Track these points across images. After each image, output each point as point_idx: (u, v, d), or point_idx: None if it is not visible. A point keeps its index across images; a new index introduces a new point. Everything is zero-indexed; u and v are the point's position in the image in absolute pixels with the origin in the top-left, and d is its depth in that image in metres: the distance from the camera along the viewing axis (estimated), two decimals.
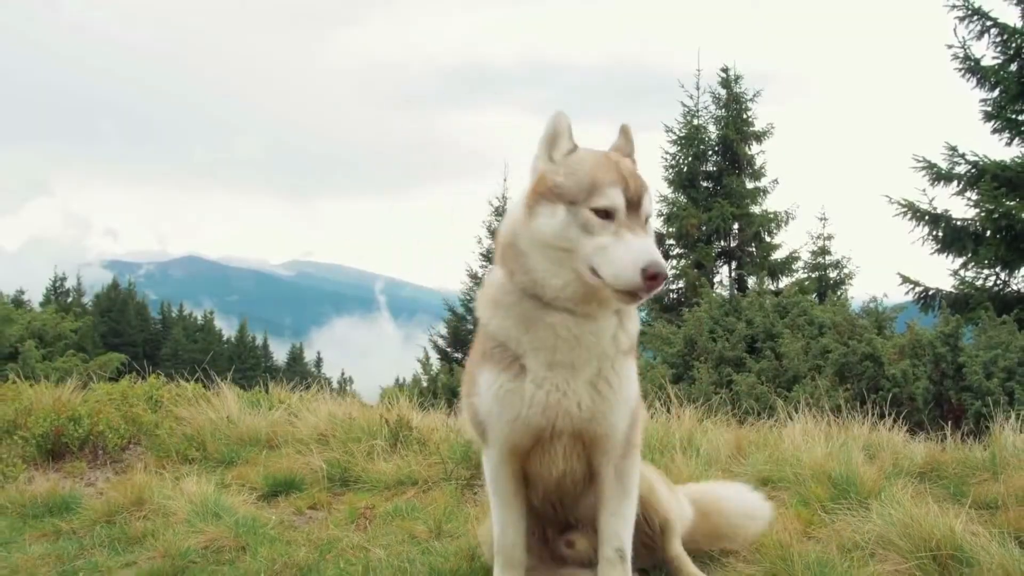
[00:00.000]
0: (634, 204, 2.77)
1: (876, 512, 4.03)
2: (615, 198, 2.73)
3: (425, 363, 25.25)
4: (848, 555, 3.73)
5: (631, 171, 2.88)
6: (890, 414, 6.55)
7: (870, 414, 6.53)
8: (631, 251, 2.66)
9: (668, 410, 6.61)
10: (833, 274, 28.61)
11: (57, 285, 64.40)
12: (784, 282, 27.96)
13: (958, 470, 5.14)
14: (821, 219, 29.19)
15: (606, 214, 2.73)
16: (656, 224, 29.03)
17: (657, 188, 29.91)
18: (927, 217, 16.63)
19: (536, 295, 2.92)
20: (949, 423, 6.79)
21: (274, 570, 4.00)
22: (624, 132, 3.15)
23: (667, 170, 29.65)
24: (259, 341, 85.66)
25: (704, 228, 28.09)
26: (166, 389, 8.65)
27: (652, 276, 2.62)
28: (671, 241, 29.25)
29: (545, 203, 2.83)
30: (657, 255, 2.68)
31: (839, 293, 22.53)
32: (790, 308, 12.10)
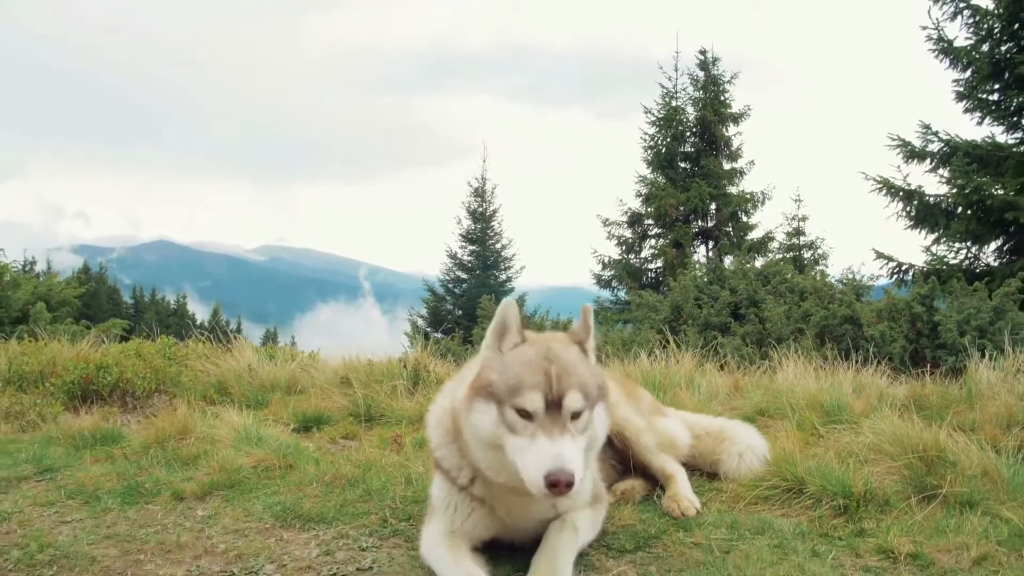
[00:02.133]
0: (554, 405, 2.81)
1: (867, 428, 4.49)
2: (535, 401, 2.79)
3: (412, 336, 25.62)
4: (844, 461, 4.17)
5: (562, 370, 2.88)
6: (872, 363, 7.02)
7: (854, 363, 6.99)
8: (539, 456, 2.70)
9: (668, 355, 7.03)
10: (808, 254, 29.34)
11: (27, 269, 63.81)
12: (760, 262, 28.51)
13: (938, 402, 5.61)
14: (796, 201, 29.95)
15: (527, 414, 2.80)
16: (635, 204, 29.54)
17: (636, 169, 30.40)
18: (901, 193, 17.16)
19: (484, 475, 3.09)
20: (927, 370, 7.26)
21: (325, 481, 4.39)
22: (584, 315, 3.16)
23: (646, 151, 30.12)
24: (232, 326, 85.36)
25: (682, 208, 28.58)
26: (176, 348, 8.95)
27: (552, 483, 2.64)
28: (650, 221, 29.79)
29: (480, 400, 2.91)
30: (562, 461, 2.68)
31: (815, 271, 23.11)
32: (771, 277, 12.59)
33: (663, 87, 30.27)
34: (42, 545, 3.68)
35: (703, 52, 30.00)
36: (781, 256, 28.76)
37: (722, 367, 7.53)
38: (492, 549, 3.39)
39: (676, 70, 30.44)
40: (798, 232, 29.95)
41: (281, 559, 3.52)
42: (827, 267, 27.68)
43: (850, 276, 12.88)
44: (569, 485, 2.67)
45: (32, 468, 4.89)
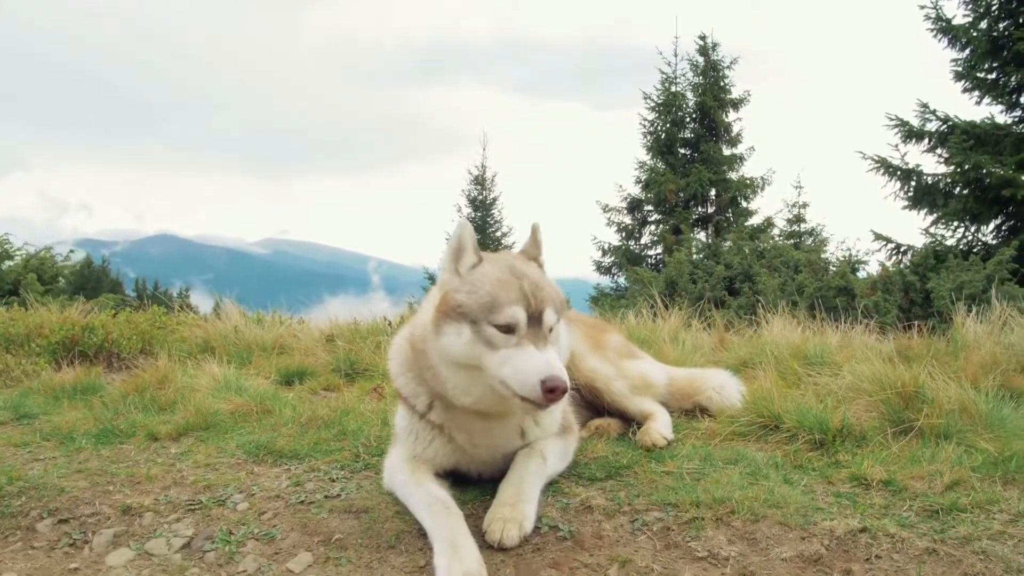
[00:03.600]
0: (535, 318, 2.84)
1: (847, 370, 4.45)
2: (518, 315, 2.81)
3: None
4: (823, 400, 4.15)
5: (534, 285, 2.92)
6: (861, 325, 6.98)
7: (844, 324, 6.95)
8: (533, 365, 2.72)
9: (655, 314, 7.00)
10: (808, 241, 29.23)
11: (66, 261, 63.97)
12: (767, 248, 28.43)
13: (923, 353, 5.57)
14: (796, 187, 29.82)
15: (508, 328, 2.81)
16: (634, 191, 29.49)
17: (635, 155, 30.34)
18: (899, 173, 17.07)
19: (446, 400, 3.07)
20: (916, 328, 7.23)
21: (300, 422, 4.37)
22: (533, 233, 3.22)
23: (645, 137, 30.00)
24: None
25: (682, 194, 28.50)
26: (168, 318, 8.93)
27: (550, 389, 2.68)
28: (649, 207, 29.73)
29: (451, 322, 2.89)
30: (557, 369, 2.73)
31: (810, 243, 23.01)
32: (767, 252, 12.55)
33: (662, 72, 30.17)
34: (12, 478, 3.66)
35: (703, 37, 29.87)
36: (782, 242, 28.68)
37: (709, 326, 7.50)
38: (461, 483, 3.38)
39: (675, 56, 30.33)
40: (799, 219, 29.82)
41: (250, 489, 3.51)
42: (825, 252, 27.62)
43: (846, 251, 12.80)
44: (564, 391, 2.72)
45: (10, 415, 4.88)
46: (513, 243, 38.14)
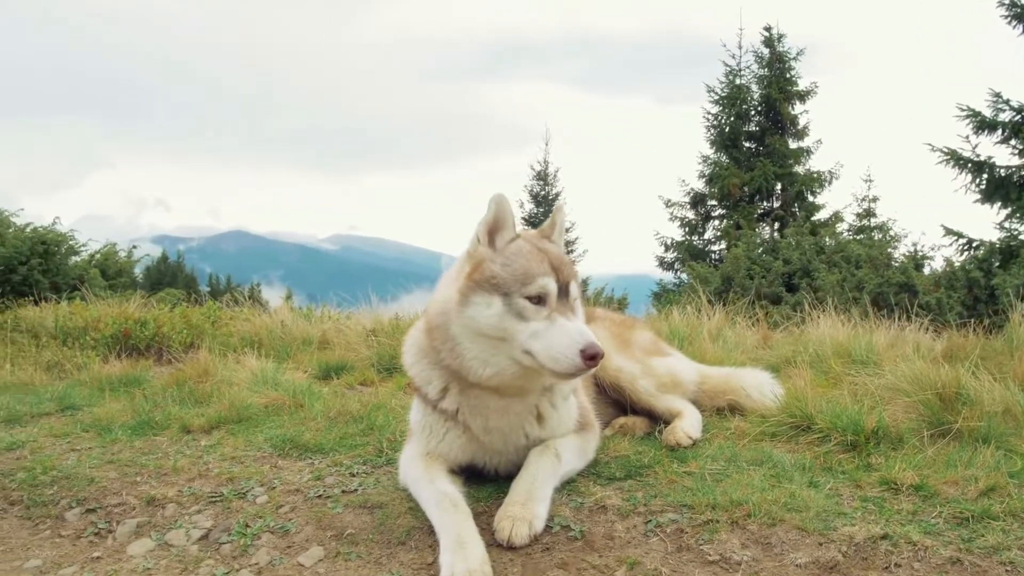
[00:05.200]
0: (564, 290, 2.93)
1: (888, 370, 4.29)
2: (548, 286, 2.88)
3: None
4: (860, 400, 4.00)
5: (560, 260, 3.02)
6: (916, 321, 6.72)
7: (898, 321, 6.71)
8: (567, 334, 2.79)
9: (699, 310, 6.87)
10: (878, 236, 28.39)
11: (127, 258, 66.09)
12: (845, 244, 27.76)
13: (977, 352, 5.34)
14: (867, 181, 28.96)
15: (539, 300, 2.87)
16: (698, 185, 29.09)
17: (699, 149, 29.89)
18: (970, 165, 16.43)
19: (462, 377, 3.06)
20: (972, 325, 6.94)
21: (329, 416, 4.41)
22: (554, 214, 3.28)
23: (709, 130, 29.52)
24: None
25: (746, 188, 27.99)
26: (223, 312, 9.12)
27: (591, 356, 2.74)
28: (713, 202, 29.27)
29: (481, 293, 2.91)
30: (592, 335, 2.81)
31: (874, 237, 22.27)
32: (826, 247, 12.23)
33: (726, 65, 29.63)
34: (46, 468, 3.78)
35: (768, 29, 29.25)
36: (848, 237, 27.96)
37: (755, 323, 7.32)
38: (477, 480, 3.35)
39: (740, 48, 29.76)
40: (868, 213, 28.98)
41: (271, 483, 3.54)
42: (896, 248, 26.83)
43: (911, 246, 12.39)
44: (602, 356, 2.77)
45: (55, 406, 5.04)
46: (576, 238, 38.02)
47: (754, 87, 29.37)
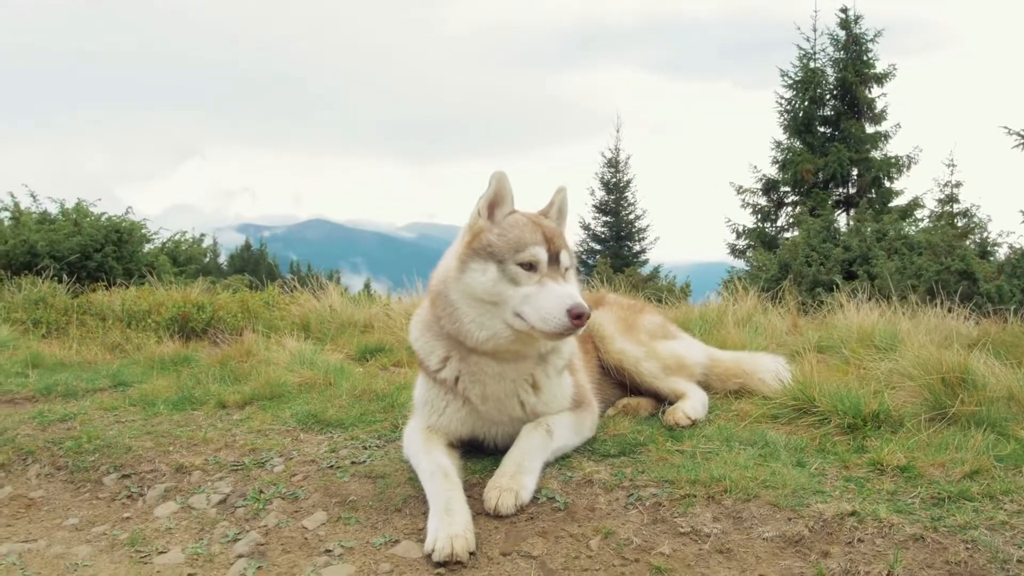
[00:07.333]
0: (554, 258, 3.15)
1: (899, 354, 4.30)
2: (538, 253, 3.10)
3: None
4: (865, 384, 4.03)
5: (552, 232, 3.23)
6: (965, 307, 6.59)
7: (948, 309, 6.60)
8: (555, 296, 3.01)
9: (731, 293, 6.89)
10: (960, 223, 27.41)
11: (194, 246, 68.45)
12: (906, 230, 26.94)
13: (1008, 339, 5.27)
14: (949, 165, 27.94)
15: (530, 266, 3.09)
16: (771, 172, 28.59)
17: (772, 135, 29.33)
18: None
19: (460, 342, 3.26)
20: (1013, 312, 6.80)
21: (355, 394, 4.65)
22: (555, 194, 3.47)
23: (782, 116, 28.93)
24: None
25: (820, 174, 27.40)
26: (281, 298, 9.49)
27: (577, 316, 2.95)
28: (785, 188, 28.73)
29: (478, 260, 3.15)
30: (579, 297, 3.03)
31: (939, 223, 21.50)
32: (887, 232, 11.99)
33: (800, 48, 28.97)
34: (91, 437, 4.11)
35: (844, 10, 28.48)
36: (932, 224, 27.10)
37: (790, 310, 7.29)
38: (477, 454, 3.53)
39: (814, 30, 29.06)
40: (951, 199, 28.03)
41: (290, 454, 3.79)
42: (978, 234, 25.90)
43: (981, 236, 12.03)
44: (588, 316, 2.99)
45: (108, 382, 5.42)
46: (648, 225, 37.76)
47: (829, 70, 28.63)
